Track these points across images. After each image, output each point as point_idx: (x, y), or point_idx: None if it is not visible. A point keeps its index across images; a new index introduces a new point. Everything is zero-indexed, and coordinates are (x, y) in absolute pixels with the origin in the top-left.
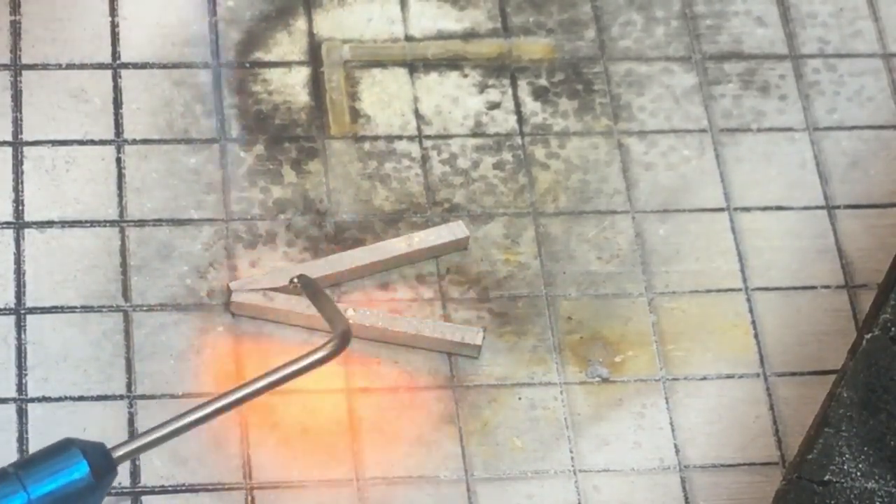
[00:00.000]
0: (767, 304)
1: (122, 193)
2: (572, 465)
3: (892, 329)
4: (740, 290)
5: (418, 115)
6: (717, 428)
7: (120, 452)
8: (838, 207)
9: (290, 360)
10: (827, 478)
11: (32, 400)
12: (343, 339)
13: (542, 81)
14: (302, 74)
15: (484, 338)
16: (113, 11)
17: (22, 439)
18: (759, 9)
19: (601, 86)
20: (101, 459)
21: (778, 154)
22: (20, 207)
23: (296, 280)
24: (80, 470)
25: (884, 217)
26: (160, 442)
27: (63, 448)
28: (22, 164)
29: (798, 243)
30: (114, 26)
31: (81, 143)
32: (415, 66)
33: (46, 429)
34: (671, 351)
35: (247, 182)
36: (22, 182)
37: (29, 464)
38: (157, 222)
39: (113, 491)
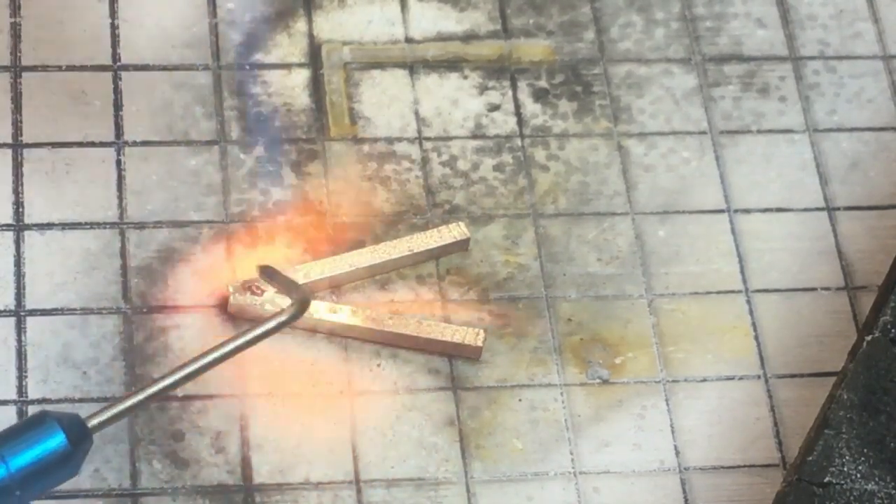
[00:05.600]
0: (767, 305)
1: (122, 195)
2: (572, 467)
3: (893, 331)
4: (740, 291)
5: (418, 117)
6: (718, 430)
7: (95, 421)
8: (838, 209)
9: (251, 326)
10: (827, 479)
11: (32, 402)
12: (301, 304)
13: (542, 83)
14: (302, 76)
15: (485, 339)
16: (113, 13)
17: None
18: (759, 10)
19: (601, 87)
20: (76, 429)
21: (778, 156)
22: (20, 209)
23: (261, 273)
24: (56, 439)
25: (884, 219)
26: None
27: (39, 420)
28: (22, 166)
29: (798, 245)
30: (114, 28)
31: (81, 145)
32: (415, 68)
33: None
34: (671, 353)
35: (247, 184)
36: (22, 184)
37: (6, 436)
38: (157, 224)
39: (113, 493)
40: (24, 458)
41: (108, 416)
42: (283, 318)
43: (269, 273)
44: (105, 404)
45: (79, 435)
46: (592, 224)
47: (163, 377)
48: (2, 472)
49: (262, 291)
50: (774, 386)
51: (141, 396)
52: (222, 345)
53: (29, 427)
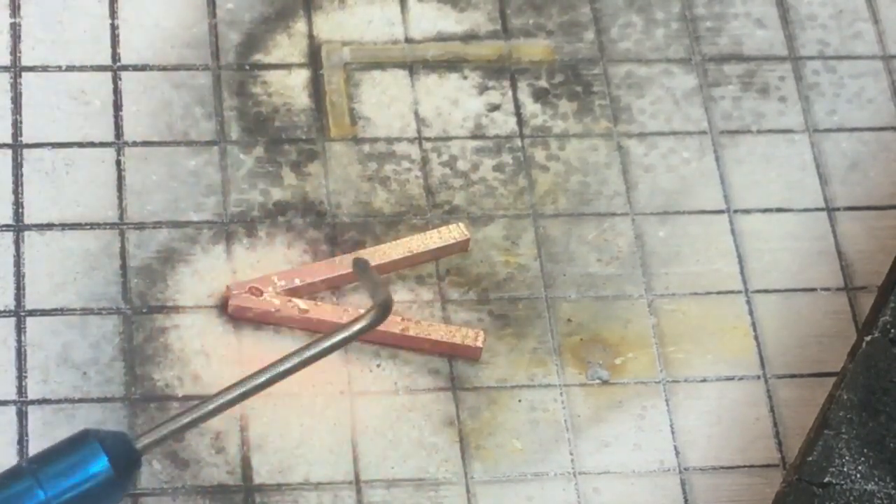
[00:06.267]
0: (767, 306)
1: (121, 195)
2: (572, 468)
3: (892, 331)
4: (740, 292)
5: (418, 117)
6: (718, 430)
7: (144, 441)
8: (838, 209)
9: (329, 331)
10: (827, 480)
11: (32, 402)
12: (384, 308)
13: (542, 83)
14: (302, 76)
15: (484, 340)
16: (113, 13)
17: (22, 441)
18: (759, 11)
19: (601, 88)
20: (122, 450)
21: (778, 156)
22: (20, 210)
23: (354, 266)
24: (99, 464)
25: (884, 219)
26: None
27: (81, 440)
28: (22, 166)
29: (798, 245)
30: (114, 28)
31: (81, 145)
32: (415, 68)
33: (46, 431)
34: (671, 353)
35: (246, 184)
36: (22, 184)
37: (44, 459)
38: (157, 224)
39: None
40: (63, 483)
41: (159, 435)
42: (363, 323)
43: (361, 266)
44: (156, 424)
45: (124, 457)
46: (592, 224)
47: (218, 395)
48: (39, 498)
49: (261, 292)
50: (774, 386)
51: (198, 413)
52: (295, 354)
53: (69, 448)
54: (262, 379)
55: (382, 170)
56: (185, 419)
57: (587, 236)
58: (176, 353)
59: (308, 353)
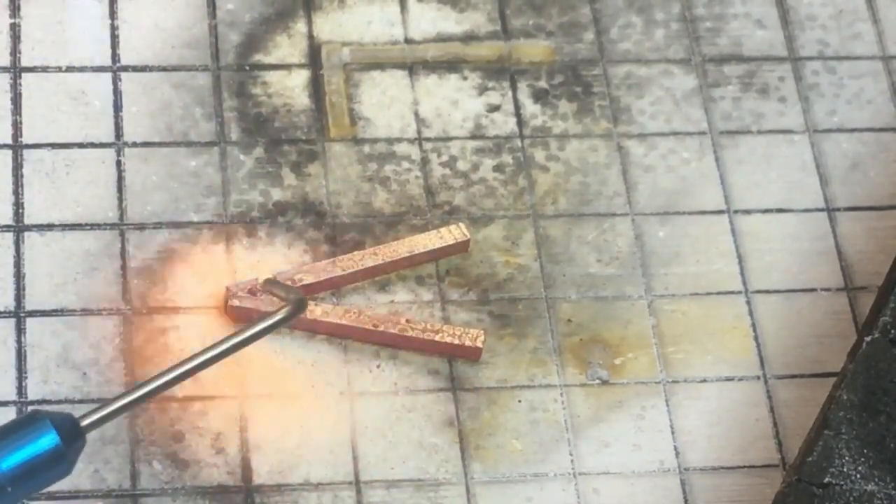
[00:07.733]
0: (767, 306)
1: (121, 196)
2: (572, 468)
3: (892, 331)
4: (740, 292)
5: (418, 118)
6: (717, 430)
7: (88, 420)
8: (838, 210)
9: (248, 324)
10: (827, 480)
11: (32, 402)
12: (298, 304)
13: (542, 84)
14: (302, 77)
15: (484, 340)
16: (113, 14)
17: None
18: (759, 11)
19: (601, 88)
20: (69, 427)
21: (778, 156)
22: (20, 210)
23: (264, 286)
24: (49, 439)
25: (884, 219)
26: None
27: (31, 418)
28: (22, 166)
29: (798, 246)
30: (113, 29)
31: (81, 145)
32: (414, 69)
33: None
34: (671, 353)
35: (246, 185)
36: (22, 185)
37: None
38: (157, 225)
39: (113, 494)
40: (16, 456)
41: (101, 415)
42: (279, 316)
43: (269, 283)
44: (99, 403)
45: (71, 434)
46: (592, 225)
47: (157, 376)
48: None
49: (261, 293)
50: (774, 386)
51: (135, 395)
52: (218, 343)
53: (21, 425)
54: (192, 365)
55: (382, 170)
56: (124, 401)
57: (587, 237)
58: (176, 354)
59: (231, 342)
